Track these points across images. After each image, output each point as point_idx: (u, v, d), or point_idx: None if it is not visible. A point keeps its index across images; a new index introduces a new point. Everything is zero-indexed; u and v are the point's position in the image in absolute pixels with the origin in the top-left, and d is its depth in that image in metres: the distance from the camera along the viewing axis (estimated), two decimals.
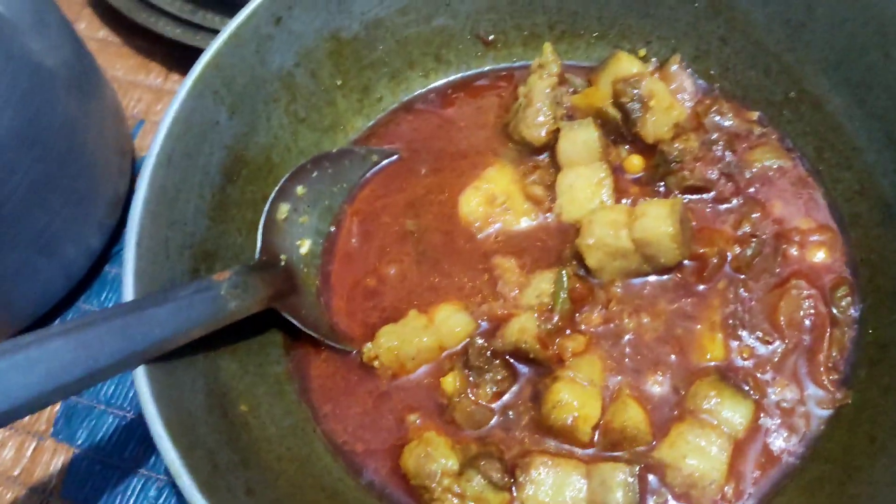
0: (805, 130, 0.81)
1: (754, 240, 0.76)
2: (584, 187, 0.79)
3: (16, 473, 0.82)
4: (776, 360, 0.72)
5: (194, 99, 0.72)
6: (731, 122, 0.82)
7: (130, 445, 0.82)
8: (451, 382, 0.73)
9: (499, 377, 0.73)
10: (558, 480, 0.68)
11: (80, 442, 0.83)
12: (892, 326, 0.70)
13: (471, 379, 0.73)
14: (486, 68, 0.91)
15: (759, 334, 0.73)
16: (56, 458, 0.82)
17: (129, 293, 0.64)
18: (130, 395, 0.85)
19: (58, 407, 0.85)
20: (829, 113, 0.78)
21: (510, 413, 0.72)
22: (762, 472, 0.69)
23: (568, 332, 0.74)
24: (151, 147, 0.69)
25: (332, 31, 0.82)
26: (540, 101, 0.82)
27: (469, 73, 0.91)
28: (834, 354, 0.72)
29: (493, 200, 0.82)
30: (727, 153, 0.80)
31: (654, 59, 0.87)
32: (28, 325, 0.87)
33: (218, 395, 0.67)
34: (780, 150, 0.81)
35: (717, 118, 0.82)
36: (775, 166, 0.80)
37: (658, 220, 0.72)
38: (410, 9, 0.85)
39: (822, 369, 0.71)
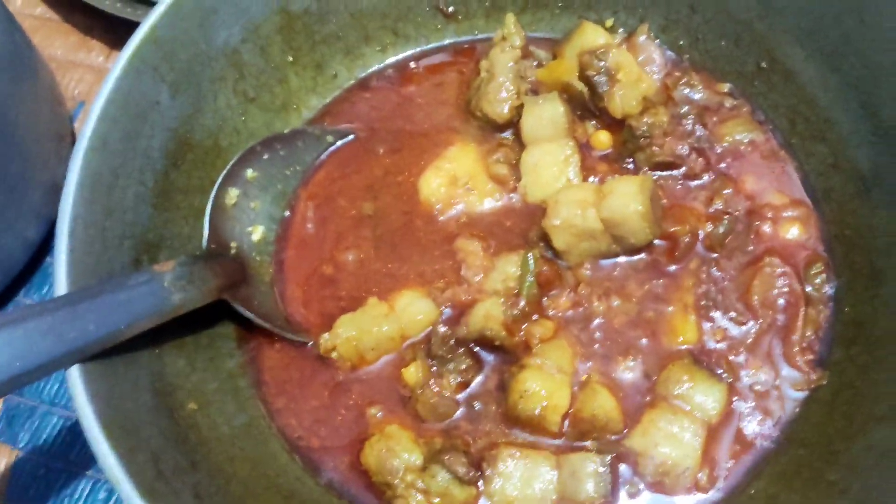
0: (777, 102, 0.78)
1: (726, 217, 0.73)
2: (550, 165, 0.75)
3: None
4: (749, 341, 0.69)
5: (132, 77, 0.67)
6: (701, 95, 0.79)
7: (76, 447, 0.78)
8: (413, 373, 0.69)
9: (463, 367, 0.69)
10: (527, 473, 0.65)
11: (22, 444, 0.79)
12: (869, 303, 0.68)
13: (434, 369, 0.69)
14: (447, 41, 0.86)
15: (733, 315, 0.70)
16: None
17: (61, 288, 0.59)
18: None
19: None
20: (802, 84, 0.75)
21: (476, 404, 0.69)
22: (737, 459, 0.66)
23: (535, 317, 0.70)
24: (83, 129, 0.64)
25: (282, 4, 0.77)
26: (503, 76, 0.78)
27: (429, 46, 0.86)
28: (808, 334, 0.69)
29: (455, 181, 0.78)
30: (697, 127, 0.76)
31: (621, 30, 0.83)
32: None
33: (164, 393, 0.63)
34: (752, 123, 0.78)
35: (687, 91, 0.79)
36: (747, 140, 0.77)
37: (627, 198, 0.68)
38: None
39: (796, 349, 0.69)
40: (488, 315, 0.68)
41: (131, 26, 0.89)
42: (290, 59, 0.81)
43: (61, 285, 0.59)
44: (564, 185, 0.73)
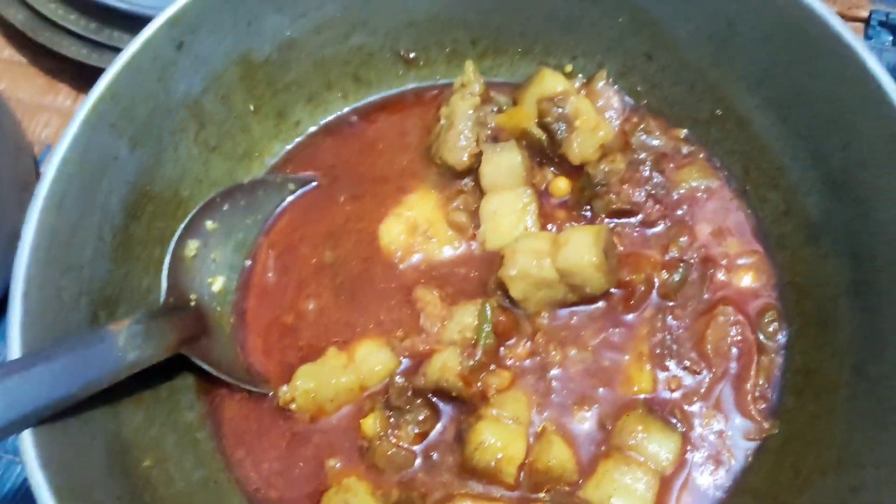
0: (732, 149, 0.79)
1: (682, 265, 0.74)
2: (509, 213, 0.76)
3: None
4: (703, 390, 0.70)
5: (88, 134, 0.68)
6: (658, 141, 0.80)
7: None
8: (371, 425, 0.70)
9: (420, 417, 0.70)
10: None
11: None
12: (818, 351, 0.69)
13: (391, 420, 0.70)
14: (410, 86, 0.87)
15: (687, 363, 0.71)
16: None
17: (15, 351, 0.60)
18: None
19: None
20: (755, 132, 0.76)
21: (433, 455, 0.70)
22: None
23: (493, 367, 0.71)
24: (38, 187, 0.65)
25: (242, 54, 0.78)
26: (462, 123, 0.79)
27: (390, 92, 0.87)
28: (761, 382, 0.70)
29: (415, 229, 0.79)
30: (655, 174, 0.77)
31: (580, 76, 0.84)
32: None
33: (118, 452, 0.64)
34: (708, 170, 0.79)
35: (644, 136, 0.80)
36: (703, 186, 0.78)
37: (582, 248, 0.69)
38: (325, 27, 0.81)
39: (749, 398, 0.69)
40: (445, 366, 0.69)
41: (97, 70, 0.90)
42: (252, 107, 0.82)
43: (14, 349, 0.60)
44: (522, 233, 0.74)
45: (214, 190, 0.79)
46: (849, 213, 0.68)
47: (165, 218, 0.76)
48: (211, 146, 0.79)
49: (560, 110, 0.77)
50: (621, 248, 0.76)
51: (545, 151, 0.79)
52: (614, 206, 0.76)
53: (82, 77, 1.00)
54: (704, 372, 0.71)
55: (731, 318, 0.72)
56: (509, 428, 0.68)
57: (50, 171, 0.65)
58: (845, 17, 0.99)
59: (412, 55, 0.86)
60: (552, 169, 0.80)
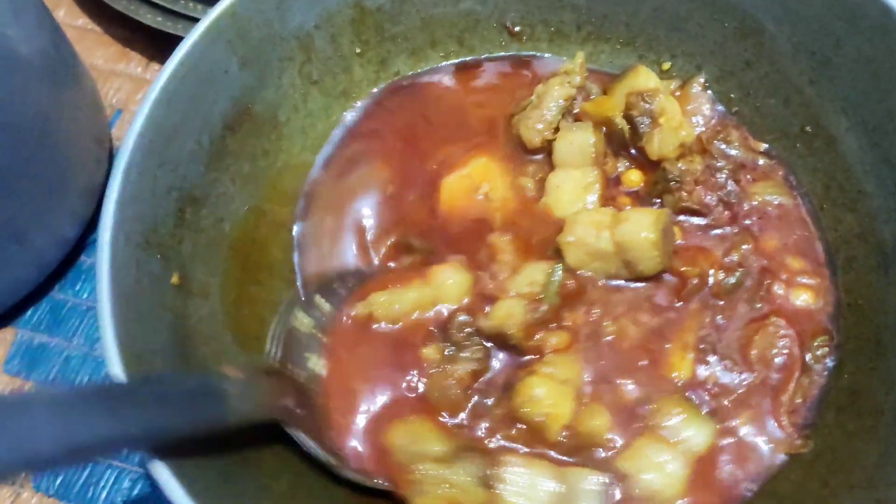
0: (815, 167, 0.79)
1: (740, 269, 0.74)
2: (572, 189, 0.78)
3: None
4: (741, 391, 0.71)
5: (206, 44, 0.72)
6: (737, 152, 0.81)
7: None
8: (430, 352, 0.72)
9: (476, 357, 0.72)
10: (528, 482, 0.67)
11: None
12: (869, 374, 0.69)
13: (447, 353, 0.72)
14: (509, 53, 0.90)
15: (728, 363, 0.72)
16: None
17: (107, 224, 0.64)
18: None
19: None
20: (842, 152, 0.76)
21: (484, 399, 0.71)
22: (718, 499, 0.67)
23: (552, 326, 0.73)
24: (153, 84, 0.69)
25: None
26: (549, 106, 0.81)
27: (490, 59, 0.90)
28: (797, 400, 0.70)
29: (476, 189, 0.81)
30: (730, 182, 0.78)
31: (676, 78, 0.86)
32: (0, 314, 0.88)
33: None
34: (784, 187, 0.80)
35: (723, 146, 0.81)
36: (776, 202, 0.79)
37: (642, 225, 0.71)
38: None
39: (783, 410, 0.70)
40: (510, 313, 0.71)
41: (169, 39, 0.96)
42: (358, 50, 0.86)
43: (108, 222, 0.64)
44: (582, 209, 0.76)
45: (309, 120, 0.83)
46: None
47: (259, 136, 0.80)
48: (313, 79, 0.83)
49: (648, 105, 0.78)
50: (682, 242, 0.76)
51: (624, 143, 0.80)
52: (684, 204, 0.77)
53: (153, 46, 1.05)
54: (745, 374, 0.71)
55: (782, 330, 0.72)
56: (560, 388, 0.69)
57: (166, 69, 0.70)
58: None
59: (517, 29, 0.89)
60: (626, 162, 0.81)
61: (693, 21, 0.83)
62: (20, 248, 0.83)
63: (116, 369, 0.58)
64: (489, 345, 0.72)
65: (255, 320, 0.75)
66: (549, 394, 0.69)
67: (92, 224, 0.91)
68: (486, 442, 0.70)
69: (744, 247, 0.76)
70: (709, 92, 0.84)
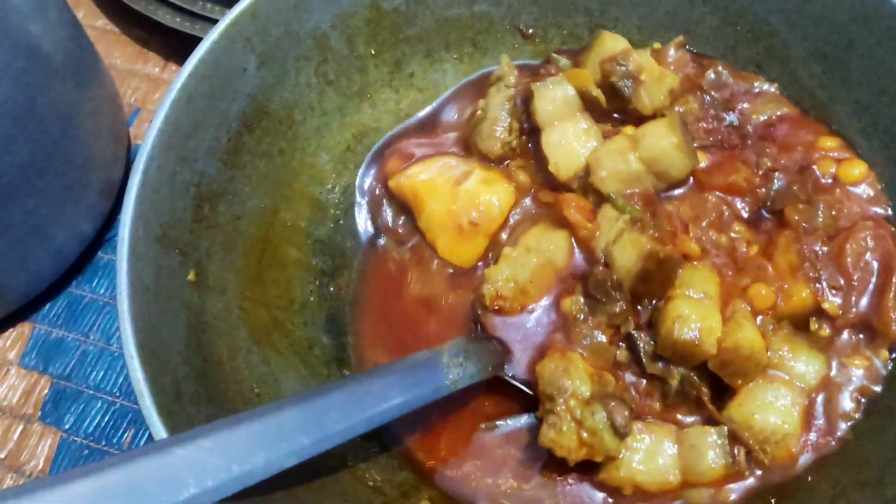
0: None
1: (776, 173, 0.75)
2: (575, 139, 0.77)
3: (2, 457, 0.83)
4: (847, 309, 0.70)
5: (225, 43, 0.74)
6: (728, 80, 0.81)
7: (119, 431, 0.84)
8: (569, 304, 0.72)
9: (615, 310, 0.70)
10: (651, 447, 0.68)
11: (67, 426, 0.84)
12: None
13: (586, 308, 0.72)
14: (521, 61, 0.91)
15: (827, 279, 0.71)
16: (43, 442, 0.83)
17: (127, 218, 0.65)
18: (119, 380, 0.86)
19: (46, 391, 0.86)
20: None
21: (633, 346, 0.71)
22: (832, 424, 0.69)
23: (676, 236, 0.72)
24: (174, 82, 0.71)
25: (374, 0, 0.83)
26: (496, 114, 0.82)
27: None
28: None
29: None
30: (728, 113, 0.79)
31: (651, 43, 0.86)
32: (18, 308, 0.89)
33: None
34: (782, 99, 0.80)
35: (713, 76, 0.81)
36: (779, 113, 0.79)
37: (660, 135, 0.72)
38: None
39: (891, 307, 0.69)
40: (634, 240, 0.70)
41: (185, 39, 0.97)
42: (373, 51, 0.87)
43: (128, 216, 0.65)
44: (598, 146, 0.76)
45: (325, 119, 0.84)
46: None
47: (276, 135, 0.81)
48: (329, 79, 0.85)
49: (623, 68, 0.78)
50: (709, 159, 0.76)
51: (602, 109, 0.80)
52: (695, 144, 0.77)
53: (170, 46, 1.07)
54: (844, 288, 0.71)
55: (868, 233, 0.71)
56: (703, 302, 0.68)
57: (186, 67, 0.71)
58: None
59: (531, 31, 0.90)
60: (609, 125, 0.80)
61: (705, 24, 0.84)
62: (39, 243, 0.84)
63: (134, 364, 0.59)
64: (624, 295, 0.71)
65: (269, 316, 0.76)
66: (693, 310, 0.67)
67: (110, 221, 0.92)
68: (630, 393, 0.70)
69: (767, 150, 0.76)
70: (686, 50, 0.84)
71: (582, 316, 0.71)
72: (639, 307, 0.71)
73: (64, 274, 0.90)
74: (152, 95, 1.04)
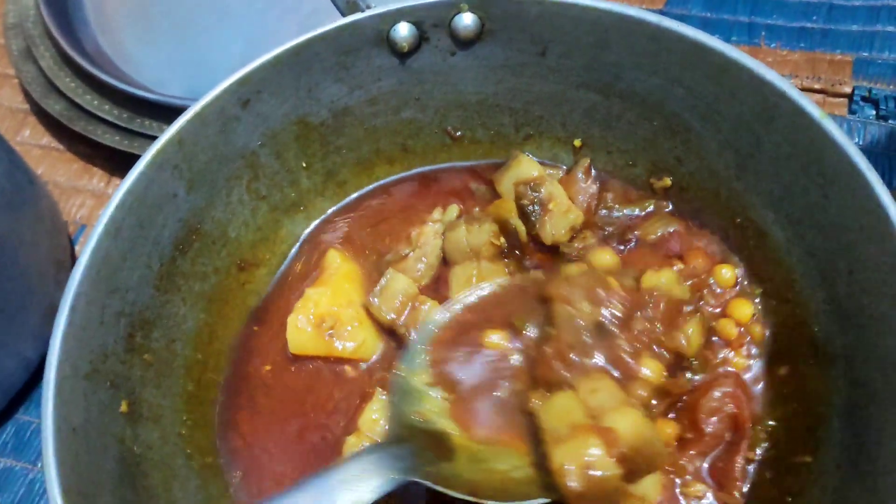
0: (750, 259, 0.81)
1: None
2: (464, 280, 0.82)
3: None
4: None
5: (153, 172, 0.75)
6: (619, 213, 0.87)
7: None
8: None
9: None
10: None
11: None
12: (798, 471, 0.71)
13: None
14: (450, 164, 0.93)
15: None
16: None
17: (54, 356, 0.66)
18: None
19: None
20: (771, 244, 0.78)
21: None
22: None
23: None
24: (101, 216, 0.72)
25: (300, 116, 0.85)
26: (427, 252, 0.85)
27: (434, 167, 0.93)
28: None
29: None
30: (625, 244, 0.84)
31: (562, 166, 0.91)
32: None
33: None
34: (670, 218, 0.86)
35: (605, 212, 0.87)
36: (671, 230, 0.85)
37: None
38: (380, 100, 0.88)
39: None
40: None
41: (131, 156, 0.99)
42: (304, 164, 0.89)
43: (54, 354, 0.66)
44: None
45: (260, 234, 0.86)
46: (850, 337, 0.70)
47: (210, 255, 0.83)
48: (261, 195, 0.86)
49: (536, 194, 0.84)
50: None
51: (518, 239, 0.84)
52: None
53: (114, 161, 1.09)
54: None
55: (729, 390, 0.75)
56: None
57: (113, 200, 0.73)
58: (828, 94, 1.05)
59: (458, 133, 0.92)
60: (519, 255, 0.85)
61: (624, 120, 0.86)
62: None
63: None
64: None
65: (207, 442, 0.77)
66: None
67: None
68: None
69: (675, 268, 0.81)
70: (592, 173, 0.88)
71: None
72: None
73: (10, 402, 0.91)
74: (97, 211, 1.05)
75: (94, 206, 1.06)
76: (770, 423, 0.75)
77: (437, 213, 0.88)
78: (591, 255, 0.82)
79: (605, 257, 0.82)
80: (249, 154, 0.84)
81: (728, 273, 0.82)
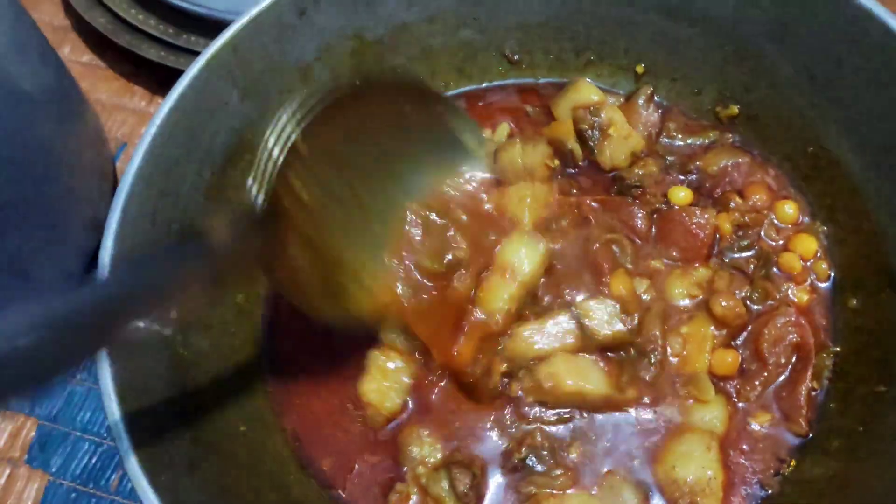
0: (821, 190, 0.78)
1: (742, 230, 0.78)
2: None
3: None
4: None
5: (207, 76, 0.73)
6: (681, 143, 0.84)
7: (107, 473, 0.82)
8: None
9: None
10: None
11: (54, 469, 0.82)
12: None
13: None
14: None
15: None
16: (30, 486, 0.82)
17: (106, 256, 0.64)
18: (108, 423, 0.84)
19: (32, 433, 0.84)
20: (846, 173, 0.76)
21: None
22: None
23: None
24: (154, 117, 0.70)
25: (357, 31, 0.83)
26: None
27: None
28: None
29: None
30: (687, 175, 0.82)
31: (620, 92, 0.87)
32: None
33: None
34: (734, 149, 0.83)
35: (667, 141, 0.84)
36: (735, 161, 0.81)
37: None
38: (438, 18, 0.85)
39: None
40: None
41: (173, 73, 0.96)
42: (357, 82, 0.86)
43: (106, 254, 0.64)
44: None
45: None
46: None
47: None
48: None
49: (595, 119, 0.81)
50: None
51: (573, 161, 0.82)
52: (657, 206, 0.78)
53: (156, 81, 1.07)
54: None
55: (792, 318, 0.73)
56: None
57: (167, 102, 0.70)
58: None
59: (516, 57, 0.89)
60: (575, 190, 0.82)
61: (692, 46, 0.83)
62: (25, 282, 0.83)
63: (112, 406, 0.58)
64: None
65: (253, 349, 0.75)
66: None
67: (96, 258, 0.90)
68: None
69: (732, 203, 0.78)
70: (654, 100, 0.85)
71: None
72: None
73: None
74: (139, 129, 1.03)
75: (136, 124, 1.04)
76: (836, 352, 0.73)
77: (486, 133, 0.85)
78: (669, 192, 0.80)
79: (680, 194, 0.79)
80: (304, 67, 0.81)
81: (791, 209, 0.79)
